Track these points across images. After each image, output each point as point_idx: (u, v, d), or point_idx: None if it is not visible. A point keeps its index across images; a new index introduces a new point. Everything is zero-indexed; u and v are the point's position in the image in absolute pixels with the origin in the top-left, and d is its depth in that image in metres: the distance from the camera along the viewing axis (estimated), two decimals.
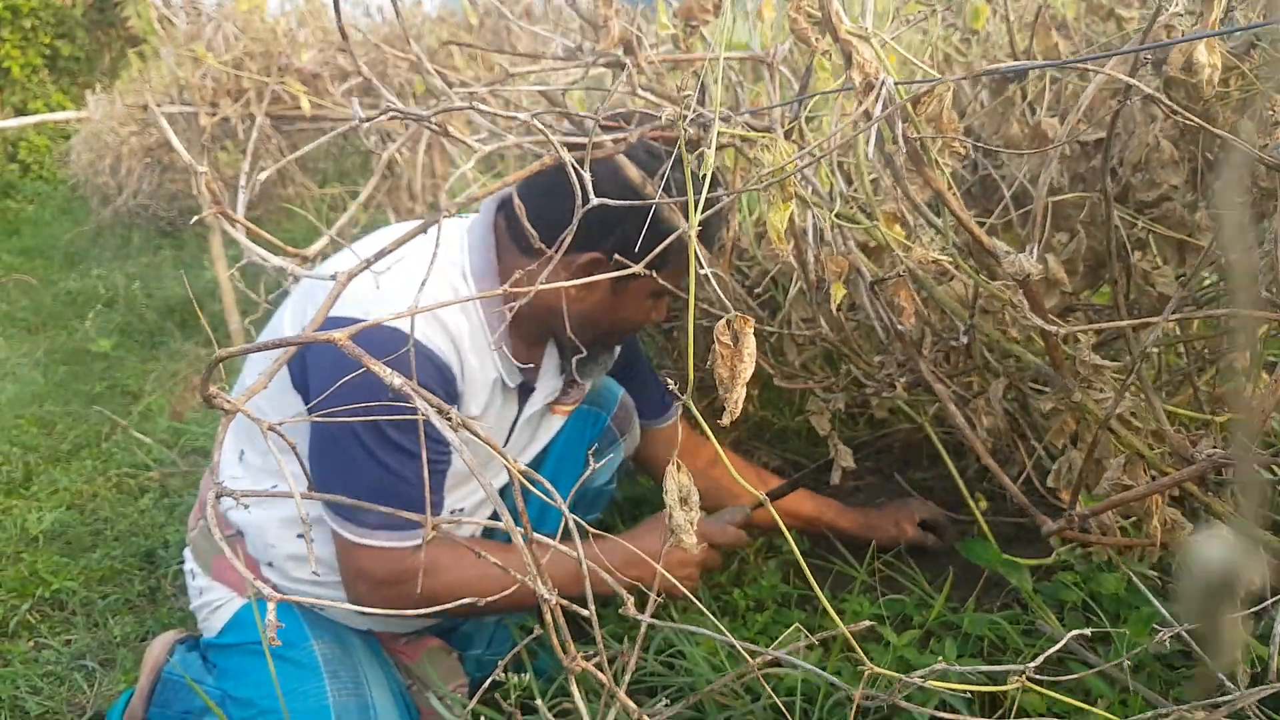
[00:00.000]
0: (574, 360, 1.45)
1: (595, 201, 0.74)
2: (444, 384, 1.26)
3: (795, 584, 1.66)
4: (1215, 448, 0.72)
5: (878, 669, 0.71)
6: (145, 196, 5.88)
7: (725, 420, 0.68)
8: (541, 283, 1.19)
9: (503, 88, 1.02)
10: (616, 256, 1.00)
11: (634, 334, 1.54)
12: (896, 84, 0.66)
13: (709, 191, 0.85)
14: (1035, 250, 0.72)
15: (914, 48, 1.58)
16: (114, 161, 5.99)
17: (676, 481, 0.79)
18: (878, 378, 1.15)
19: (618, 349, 1.59)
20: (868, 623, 0.86)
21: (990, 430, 1.17)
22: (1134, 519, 1.34)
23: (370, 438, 1.21)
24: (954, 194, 0.71)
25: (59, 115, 9.93)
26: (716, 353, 0.63)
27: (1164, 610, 1.03)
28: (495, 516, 1.52)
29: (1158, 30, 0.93)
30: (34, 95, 13.12)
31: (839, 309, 1.03)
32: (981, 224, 1.19)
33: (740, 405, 0.68)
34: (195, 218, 0.76)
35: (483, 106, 0.76)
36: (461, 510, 1.45)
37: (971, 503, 1.64)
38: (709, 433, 0.67)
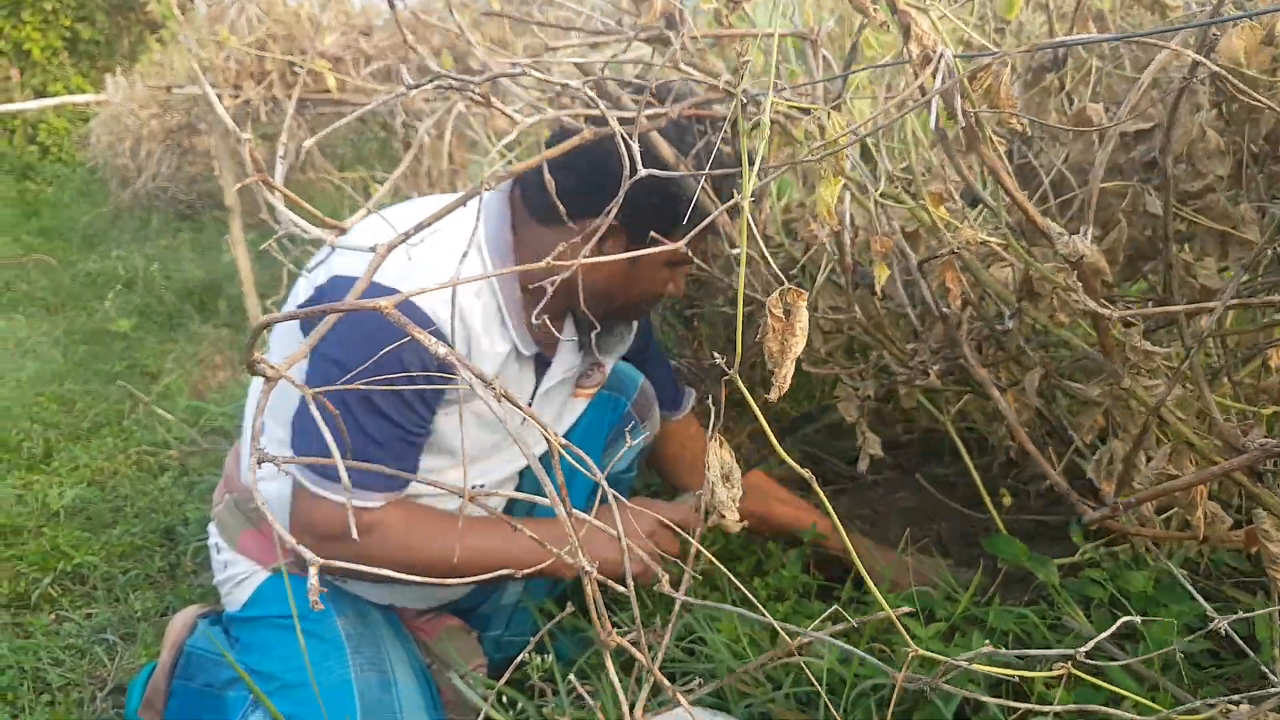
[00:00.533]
0: (593, 335, 1.44)
1: (643, 172, 0.73)
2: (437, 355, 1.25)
3: (815, 575, 1.65)
4: (1266, 437, 0.71)
5: (922, 650, 0.70)
6: (164, 179, 5.91)
7: (773, 395, 0.66)
8: (560, 256, 1.19)
9: (545, 59, 1.01)
10: (651, 234, 1.00)
11: (651, 307, 1.50)
12: (956, 57, 0.64)
13: (748, 170, 0.84)
14: (1089, 232, 0.70)
15: (948, 37, 1.56)
16: (134, 144, 6.02)
17: (719, 458, 0.78)
18: (910, 365, 1.14)
19: (635, 325, 1.58)
20: (906, 609, 0.85)
21: (1023, 423, 1.16)
22: (1166, 515, 1.32)
23: (355, 400, 1.22)
24: (1008, 172, 0.70)
25: (79, 98, 9.97)
26: (768, 325, 0.62)
27: (1205, 605, 1.02)
28: (511, 501, 1.51)
29: (1206, 17, 0.92)
30: (54, 78, 13.16)
31: (873, 294, 1.02)
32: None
33: (789, 380, 0.67)
34: (239, 183, 0.76)
35: (535, 73, 0.75)
36: (482, 486, 1.45)
37: (988, 499, 1.62)
38: (756, 410, 0.66)
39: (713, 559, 0.78)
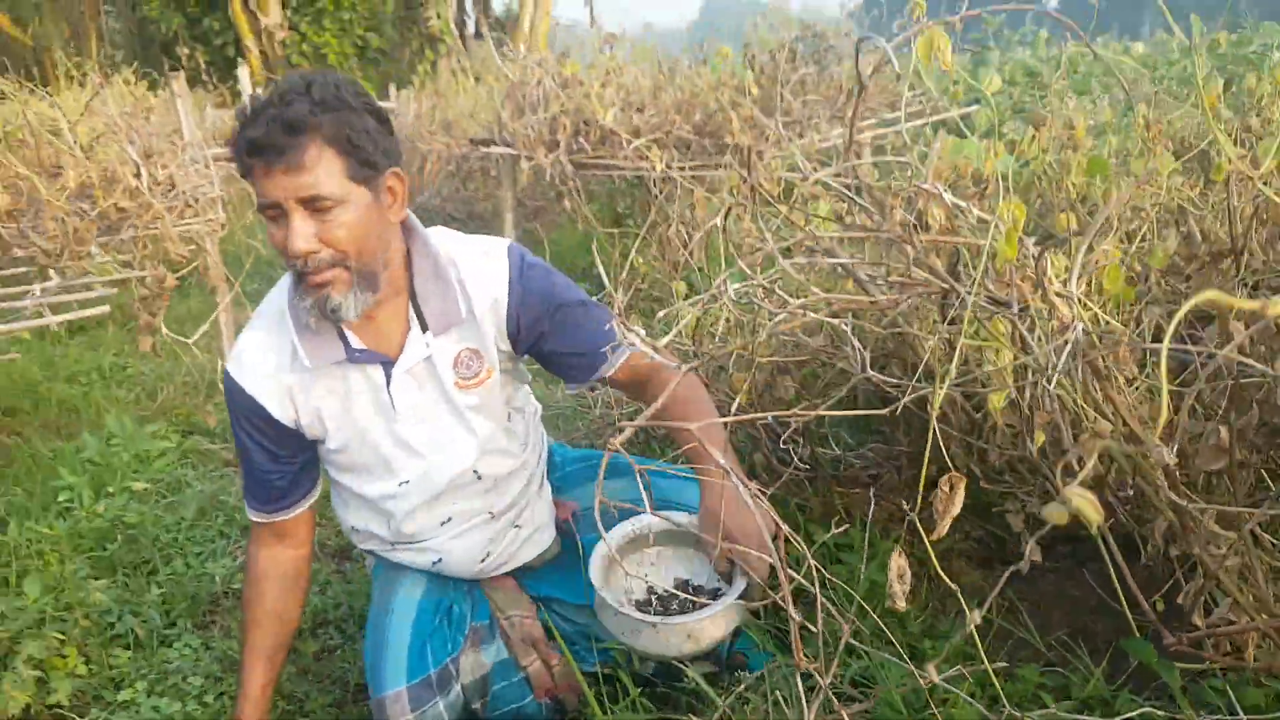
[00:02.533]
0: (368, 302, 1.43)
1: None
2: (255, 412, 1.52)
3: (976, 649, 1.95)
4: None
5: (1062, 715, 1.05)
6: (442, 199, 6.75)
7: (935, 535, 1.04)
8: None
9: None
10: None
11: (304, 263, 1.38)
12: (1086, 332, 1.00)
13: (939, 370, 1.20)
14: (1175, 446, 1.03)
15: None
16: (421, 164, 6.91)
17: (896, 563, 1.16)
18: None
19: (442, 289, 1.55)
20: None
21: (1151, 555, 1.47)
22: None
23: (237, 441, 1.60)
24: (1124, 398, 1.04)
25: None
26: (938, 494, 1.00)
27: None
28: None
29: None
30: None
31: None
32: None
33: (946, 529, 1.05)
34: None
35: (831, 181, 1.15)
36: (407, 482, 1.61)
37: (1125, 603, 1.86)
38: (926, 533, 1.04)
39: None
